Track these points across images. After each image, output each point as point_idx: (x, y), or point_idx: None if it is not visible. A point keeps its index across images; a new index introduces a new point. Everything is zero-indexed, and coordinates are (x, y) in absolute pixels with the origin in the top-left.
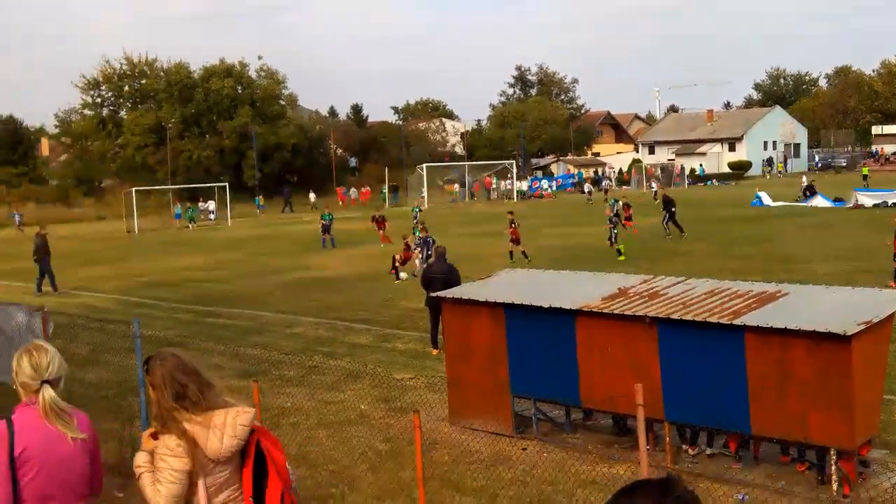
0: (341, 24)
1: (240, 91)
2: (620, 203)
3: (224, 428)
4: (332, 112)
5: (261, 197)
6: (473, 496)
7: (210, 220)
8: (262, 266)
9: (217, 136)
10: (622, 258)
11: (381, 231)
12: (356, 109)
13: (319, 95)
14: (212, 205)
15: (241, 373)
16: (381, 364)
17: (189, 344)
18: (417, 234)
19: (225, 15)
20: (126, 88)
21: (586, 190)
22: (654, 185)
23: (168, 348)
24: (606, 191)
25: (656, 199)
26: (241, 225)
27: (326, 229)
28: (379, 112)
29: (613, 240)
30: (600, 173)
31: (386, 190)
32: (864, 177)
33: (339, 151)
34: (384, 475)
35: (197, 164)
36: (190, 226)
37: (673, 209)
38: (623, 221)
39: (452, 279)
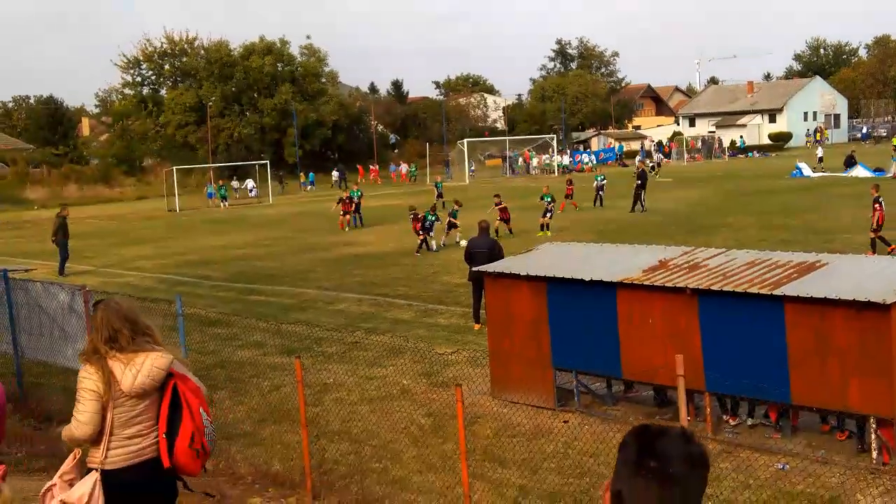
0: (382, 2)
1: (280, 69)
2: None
3: (141, 367)
4: (373, 88)
5: (303, 174)
6: (515, 468)
7: (251, 197)
8: (303, 243)
9: (257, 113)
10: (546, 233)
11: (346, 215)
12: (396, 85)
13: (360, 72)
14: (251, 183)
15: (284, 349)
16: (422, 339)
17: (231, 321)
18: (450, 209)
19: None
20: (166, 67)
21: (656, 160)
22: (646, 158)
23: (115, 296)
24: (659, 164)
25: (656, 175)
26: (282, 202)
27: (356, 207)
28: (420, 88)
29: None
30: (646, 147)
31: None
32: None
33: (380, 128)
34: (427, 449)
35: (237, 142)
36: (222, 204)
37: (641, 183)
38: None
39: (495, 253)
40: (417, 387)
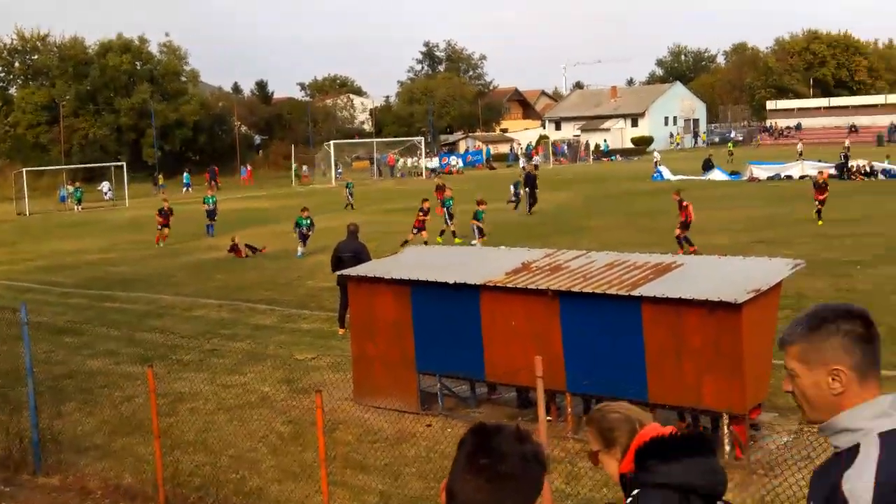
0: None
1: (138, 67)
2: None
3: None
4: (236, 88)
5: (160, 176)
6: (377, 474)
7: (106, 200)
8: (162, 247)
9: (114, 113)
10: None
11: (164, 228)
12: (261, 86)
13: (223, 72)
14: (106, 185)
15: (137, 358)
16: (284, 345)
17: (82, 329)
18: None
19: None
20: (17, 65)
21: (521, 165)
22: (522, 162)
23: None
24: (536, 166)
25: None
26: (140, 205)
27: (211, 214)
28: (285, 88)
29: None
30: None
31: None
32: (730, 153)
33: (244, 129)
34: (286, 458)
35: (93, 143)
36: (76, 208)
37: (530, 188)
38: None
39: (362, 257)
40: (278, 394)
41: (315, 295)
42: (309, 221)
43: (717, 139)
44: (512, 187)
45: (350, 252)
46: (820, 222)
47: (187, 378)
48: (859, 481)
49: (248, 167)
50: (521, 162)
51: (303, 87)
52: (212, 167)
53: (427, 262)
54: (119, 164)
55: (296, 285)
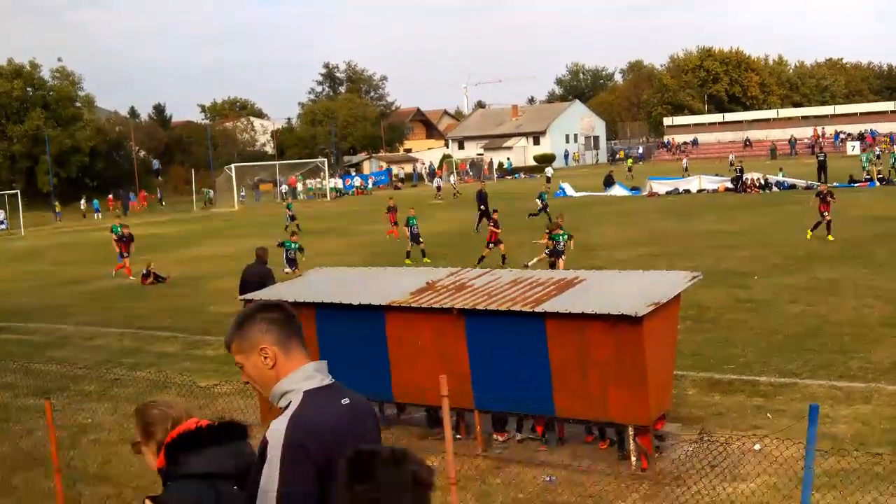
0: (141, 22)
1: (30, 93)
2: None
3: None
4: (133, 113)
5: (57, 204)
6: None
7: (1, 230)
8: (61, 276)
9: (6, 140)
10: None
11: (124, 257)
12: (159, 109)
13: (119, 96)
14: (1, 214)
15: (35, 390)
16: (188, 372)
17: None
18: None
19: (10, 12)
20: None
21: (435, 185)
22: (437, 181)
23: None
24: (439, 188)
25: (456, 195)
26: (36, 234)
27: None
28: (184, 112)
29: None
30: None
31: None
32: (629, 168)
33: (142, 153)
34: None
35: None
36: None
37: (484, 205)
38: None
39: (266, 282)
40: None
41: (219, 321)
42: (297, 246)
43: (616, 156)
44: (538, 200)
45: (255, 276)
46: (830, 237)
47: (89, 409)
48: (277, 424)
49: (143, 192)
50: (436, 181)
51: (202, 109)
52: (124, 192)
53: (331, 284)
54: (13, 192)
55: (199, 311)
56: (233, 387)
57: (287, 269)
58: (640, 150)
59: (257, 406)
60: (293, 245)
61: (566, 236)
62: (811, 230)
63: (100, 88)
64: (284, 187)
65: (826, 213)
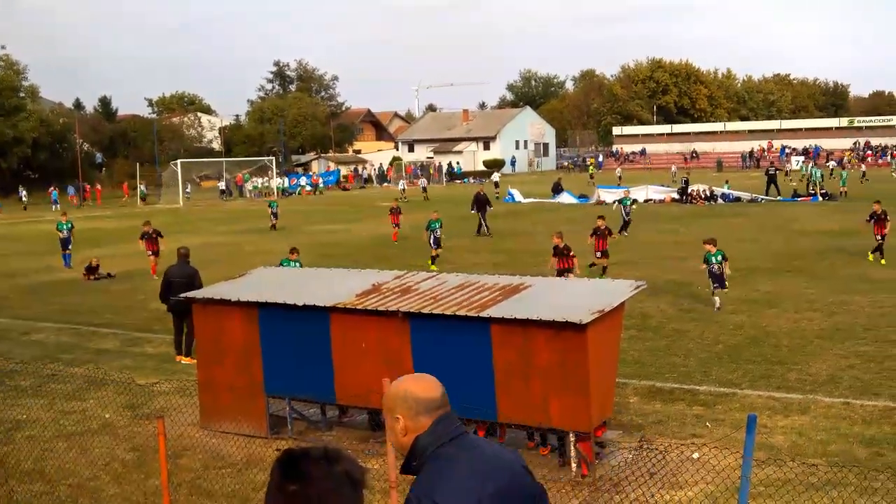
0: (89, 12)
1: None
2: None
3: None
4: (78, 104)
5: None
6: (224, 501)
7: None
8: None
9: None
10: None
11: (153, 255)
12: (104, 102)
13: (64, 87)
14: None
15: None
16: (127, 370)
17: None
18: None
19: None
20: None
21: (401, 186)
22: (401, 184)
23: None
24: (403, 190)
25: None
26: None
27: (66, 243)
28: (131, 105)
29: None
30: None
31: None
32: (591, 176)
33: (86, 146)
34: (129, 486)
35: None
36: None
37: (481, 210)
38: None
39: (194, 283)
40: (120, 420)
41: (160, 318)
42: (297, 265)
43: (566, 162)
44: (621, 208)
45: (182, 277)
46: (883, 261)
47: (24, 405)
48: None
49: (87, 185)
50: (401, 184)
51: (149, 103)
52: (80, 183)
53: (276, 283)
54: None
55: (139, 308)
56: (172, 385)
57: None
58: (591, 159)
59: (196, 404)
60: (293, 265)
61: (720, 256)
62: (872, 252)
63: (45, 79)
64: (222, 184)
65: (879, 236)
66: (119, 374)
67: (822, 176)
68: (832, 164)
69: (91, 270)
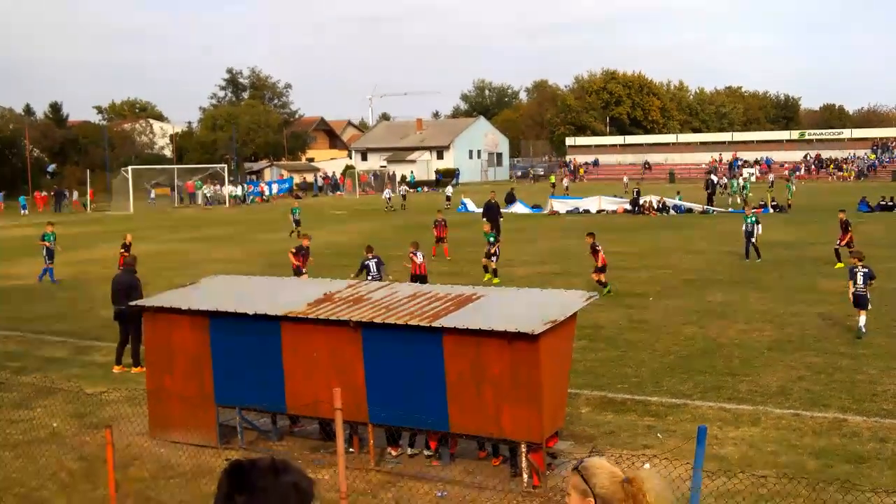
0: (39, 17)
1: None
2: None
3: None
4: (28, 110)
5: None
6: None
7: None
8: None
9: None
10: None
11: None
12: (55, 108)
13: (13, 92)
14: None
15: None
16: (76, 378)
17: None
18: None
19: None
20: None
21: (385, 195)
22: (386, 193)
23: None
24: (389, 198)
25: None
26: None
27: (51, 254)
28: (81, 112)
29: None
30: (315, 179)
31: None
32: (553, 185)
33: (36, 153)
34: (76, 496)
35: None
36: None
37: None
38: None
39: (132, 293)
40: (68, 429)
41: (109, 326)
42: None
43: (519, 173)
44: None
45: (121, 285)
46: (840, 264)
47: None
48: None
49: (37, 193)
50: (386, 193)
51: (100, 110)
52: (60, 189)
53: (227, 292)
54: None
55: (89, 316)
56: (121, 394)
57: None
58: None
59: (145, 413)
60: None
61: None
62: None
63: None
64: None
65: (844, 243)
66: (67, 382)
67: (744, 187)
68: (748, 171)
69: (126, 248)
